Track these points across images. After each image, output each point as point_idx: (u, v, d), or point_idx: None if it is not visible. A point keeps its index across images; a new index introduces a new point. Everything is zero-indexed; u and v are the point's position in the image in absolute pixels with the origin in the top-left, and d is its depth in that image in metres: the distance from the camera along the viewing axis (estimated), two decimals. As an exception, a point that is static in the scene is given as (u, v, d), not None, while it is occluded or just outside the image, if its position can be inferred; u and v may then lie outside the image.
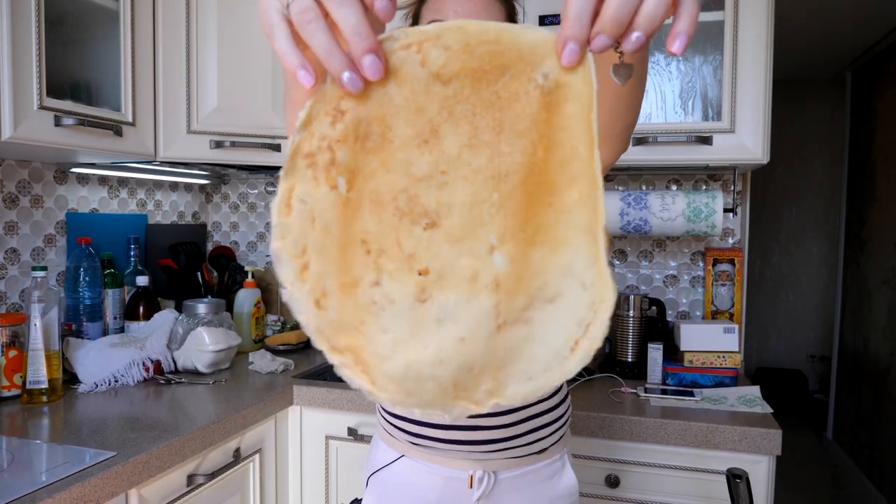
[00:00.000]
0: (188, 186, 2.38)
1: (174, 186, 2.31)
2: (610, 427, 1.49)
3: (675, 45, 0.42)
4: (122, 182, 2.08)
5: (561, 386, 1.11)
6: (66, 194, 1.87)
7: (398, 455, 1.09)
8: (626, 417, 1.47)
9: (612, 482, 1.51)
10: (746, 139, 1.64)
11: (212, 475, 1.38)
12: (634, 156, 1.70)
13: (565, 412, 1.11)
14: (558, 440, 1.10)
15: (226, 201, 2.49)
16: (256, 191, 2.47)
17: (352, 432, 1.61)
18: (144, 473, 1.20)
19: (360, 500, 1.16)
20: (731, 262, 1.99)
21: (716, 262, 2.01)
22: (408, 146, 0.34)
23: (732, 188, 1.97)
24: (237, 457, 1.48)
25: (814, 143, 4.89)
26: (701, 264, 2.07)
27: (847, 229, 4.01)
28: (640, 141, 1.67)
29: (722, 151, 1.66)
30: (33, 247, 1.78)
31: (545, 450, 1.08)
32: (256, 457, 1.57)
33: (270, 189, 2.45)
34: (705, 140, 1.65)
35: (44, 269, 1.51)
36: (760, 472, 1.41)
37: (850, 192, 4.00)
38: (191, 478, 1.34)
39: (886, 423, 3.17)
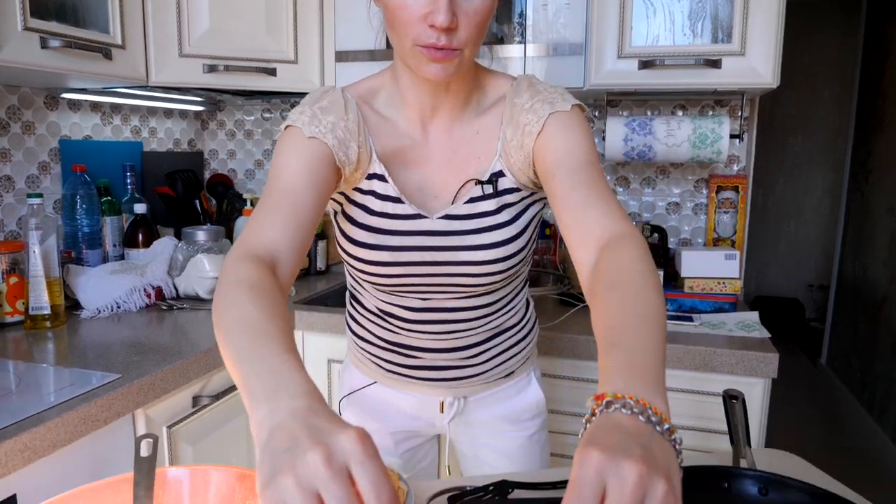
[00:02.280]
0: (183, 113, 2.33)
1: (169, 113, 2.26)
2: (596, 350, 1.50)
3: None
4: (115, 108, 2.03)
5: (528, 312, 1.12)
6: (58, 121, 1.83)
7: (371, 381, 1.11)
8: (625, 341, 1.49)
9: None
10: (757, 62, 1.59)
11: (216, 396, 1.40)
12: (640, 79, 1.65)
13: (531, 336, 1.13)
14: (524, 362, 1.12)
15: (222, 128, 2.45)
16: (252, 117, 2.42)
17: (338, 363, 1.63)
18: (150, 395, 1.22)
19: None
20: (735, 189, 1.97)
21: (719, 189, 1.98)
22: None
23: (740, 114, 1.92)
24: (241, 380, 1.50)
25: (823, 71, 4.76)
26: (704, 191, 2.05)
27: (853, 158, 3.95)
28: (647, 64, 1.62)
29: (731, 75, 1.61)
30: (27, 174, 1.75)
31: (513, 373, 1.10)
32: (260, 380, 1.59)
33: (267, 115, 2.40)
34: (714, 63, 1.59)
35: (39, 196, 1.50)
36: (756, 394, 1.44)
37: (858, 121, 3.93)
38: (196, 399, 1.37)
39: (880, 349, 3.22)
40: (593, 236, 0.77)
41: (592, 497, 0.44)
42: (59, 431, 1.03)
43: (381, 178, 0.93)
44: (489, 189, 0.93)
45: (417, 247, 0.93)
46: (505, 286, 1.02)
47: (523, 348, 1.10)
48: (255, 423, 0.53)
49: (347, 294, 1.13)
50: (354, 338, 1.11)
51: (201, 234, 1.84)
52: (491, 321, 1.03)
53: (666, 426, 0.51)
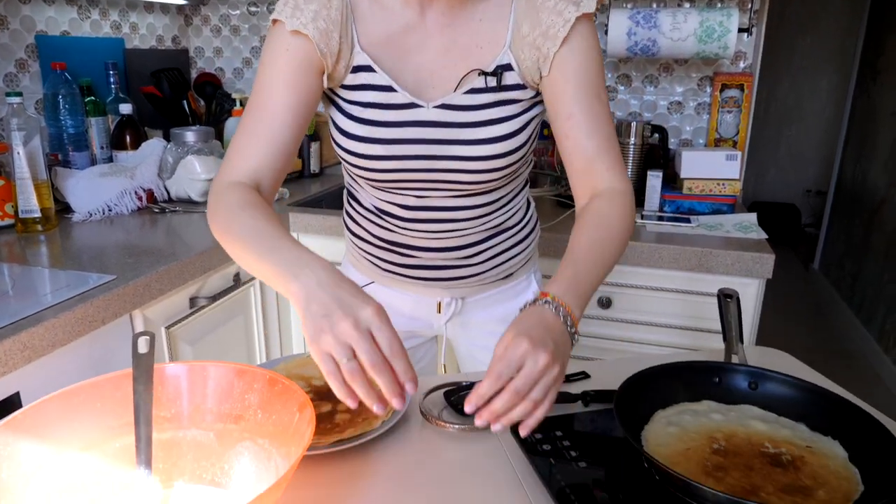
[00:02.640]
0: (164, 7, 2.21)
1: (150, 7, 2.14)
2: (605, 252, 1.50)
3: (522, 432, 0.66)
4: (93, 1, 1.92)
5: (528, 213, 1.10)
6: (32, 14, 1.74)
7: (369, 281, 1.10)
8: (622, 242, 1.48)
9: (605, 303, 1.55)
10: (771, -55, 1.49)
11: (213, 298, 1.41)
12: (647, -34, 1.55)
13: (532, 238, 1.11)
14: (524, 264, 1.11)
15: (206, 24, 2.33)
16: (238, 12, 2.30)
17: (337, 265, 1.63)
18: (146, 296, 1.22)
19: None
20: (741, 87, 1.91)
21: (724, 87, 1.92)
22: None
23: (750, 6, 1.83)
24: (237, 281, 1.50)
25: (839, -37, 4.53)
26: (708, 90, 1.98)
27: (862, 58, 3.82)
28: (655, -52, 1.52)
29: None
30: (5, 72, 1.68)
31: (512, 274, 1.10)
32: (256, 282, 1.60)
33: (253, 10, 2.28)
34: (726, -53, 1.50)
35: (19, 94, 1.43)
36: (750, 294, 1.45)
37: (870, 20, 3.77)
38: (193, 300, 1.37)
39: (873, 253, 3.25)
40: (594, 187, 0.89)
41: (513, 369, 0.65)
42: (58, 331, 1.04)
43: (368, 68, 0.88)
44: (492, 82, 0.89)
45: (412, 139, 0.90)
46: (503, 185, 1.00)
47: (523, 250, 1.09)
48: (293, 299, 0.69)
49: (345, 192, 1.11)
50: (352, 237, 1.09)
51: (191, 136, 1.79)
52: (489, 220, 1.01)
53: (574, 329, 0.73)
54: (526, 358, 0.65)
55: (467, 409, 0.65)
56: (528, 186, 1.09)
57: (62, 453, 0.64)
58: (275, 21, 0.87)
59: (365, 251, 1.08)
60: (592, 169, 0.89)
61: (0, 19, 1.65)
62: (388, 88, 0.89)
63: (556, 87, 0.88)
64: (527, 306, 0.74)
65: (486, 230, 1.02)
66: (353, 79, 0.89)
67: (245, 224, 0.78)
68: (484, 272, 1.05)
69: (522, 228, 1.08)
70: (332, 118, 0.95)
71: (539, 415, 0.66)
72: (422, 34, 0.90)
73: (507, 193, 1.02)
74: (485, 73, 0.89)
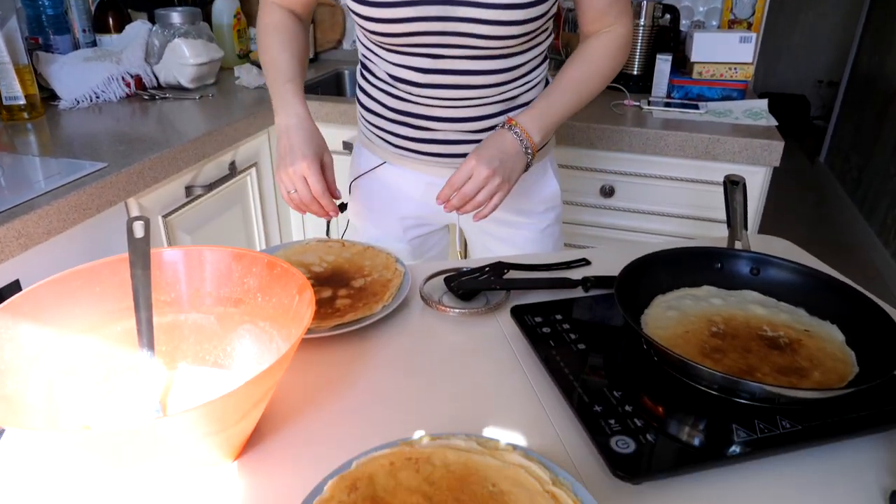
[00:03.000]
0: None
1: None
2: (609, 138, 1.46)
3: (474, 220, 0.91)
4: None
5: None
6: None
7: (381, 161, 1.08)
8: (627, 129, 1.44)
9: (607, 192, 1.53)
10: None
11: (209, 187, 1.39)
12: None
13: None
14: (540, 149, 1.07)
15: None
16: None
17: (347, 146, 1.59)
18: (140, 184, 1.20)
19: (346, 204, 1.20)
20: (760, -37, 1.78)
21: (742, -37, 1.80)
22: None
23: None
24: (233, 170, 1.48)
25: None
26: (725, -34, 1.86)
27: (891, -66, 3.58)
28: None
29: None
30: (-27, -55, 1.56)
31: None
32: (253, 171, 1.57)
33: None
34: None
35: (-11, -31, 1.34)
36: (756, 182, 1.43)
37: None
38: (189, 189, 1.35)
39: (881, 145, 3.18)
40: (601, 28, 0.98)
41: (462, 180, 0.88)
42: (52, 219, 1.02)
43: None
44: None
45: None
46: (520, 52, 0.95)
47: None
48: (276, 128, 0.94)
49: (358, 66, 1.08)
50: (364, 112, 1.07)
51: (176, 17, 1.70)
52: (505, 91, 0.97)
53: (530, 152, 0.91)
54: (473, 171, 0.87)
55: (438, 201, 0.89)
56: (546, 64, 1.04)
57: (64, 337, 0.64)
58: None
59: (378, 127, 1.05)
60: (602, 19, 0.97)
61: None
62: None
63: None
64: (497, 128, 0.92)
65: (501, 101, 0.98)
66: None
67: (268, 54, 0.98)
68: None
69: None
70: None
71: (486, 211, 0.90)
72: None
73: (524, 63, 0.97)
74: None
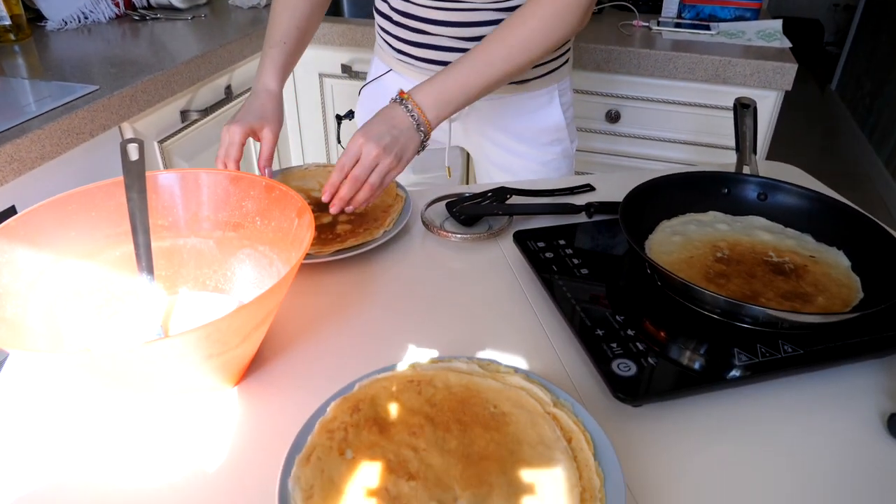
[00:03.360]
0: None
1: None
2: (616, 60, 1.41)
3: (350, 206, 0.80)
4: None
5: None
6: None
7: (387, 69, 1.06)
8: (635, 50, 1.39)
9: (613, 117, 1.49)
10: None
11: (205, 111, 1.35)
12: None
13: (557, 50, 1.01)
14: (543, 75, 1.03)
15: None
16: None
17: (346, 69, 1.55)
18: (133, 107, 1.16)
19: (353, 111, 1.18)
20: None
21: None
22: (402, 433, 0.51)
23: None
24: (229, 94, 1.44)
25: None
26: None
27: None
28: None
29: None
30: None
31: (526, 82, 1.02)
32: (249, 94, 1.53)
33: None
34: None
35: None
36: (766, 107, 1.39)
37: None
38: (184, 114, 1.32)
39: (896, 70, 3.10)
40: None
41: (350, 162, 0.78)
42: (45, 143, 1.00)
43: None
44: None
45: None
46: None
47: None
48: None
49: None
50: (378, 16, 1.05)
51: (164, -69, 1.61)
52: None
53: (423, 130, 0.81)
54: (361, 151, 0.78)
55: (324, 198, 0.79)
56: None
57: (62, 261, 0.63)
58: None
59: (384, 30, 1.04)
60: None
61: None
62: None
63: None
64: (389, 101, 0.82)
65: (494, 9, 0.93)
66: None
67: (276, 5, 0.95)
68: None
69: None
70: None
71: (377, 193, 0.80)
72: None
73: None
74: None
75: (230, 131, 0.84)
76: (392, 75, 1.06)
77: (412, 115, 0.80)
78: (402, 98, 0.81)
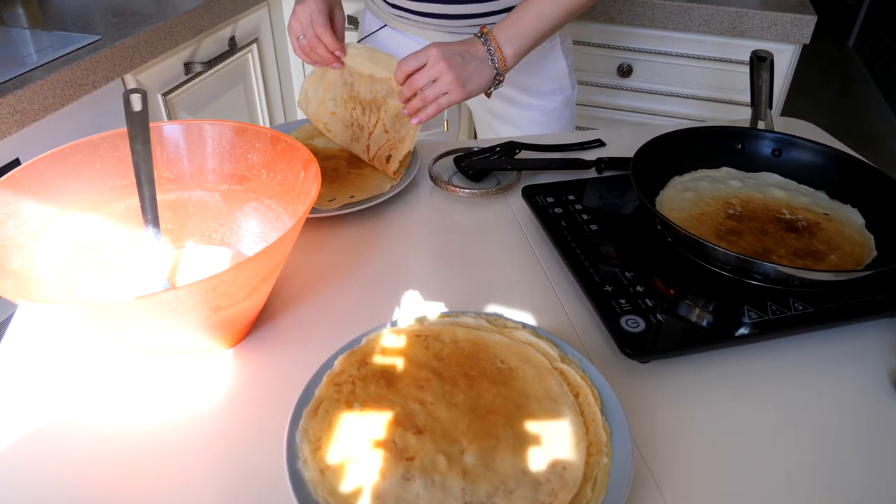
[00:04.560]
0: None
1: None
2: (629, 12, 1.37)
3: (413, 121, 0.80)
4: None
5: None
6: None
7: (382, 24, 1.04)
8: (649, 0, 1.35)
9: (625, 71, 1.46)
10: None
11: (209, 63, 1.33)
12: None
13: None
14: None
15: None
16: None
17: (351, 20, 1.51)
18: (136, 58, 1.14)
19: None
20: None
21: None
22: (409, 386, 0.51)
23: None
24: (233, 46, 1.41)
25: None
26: None
27: None
28: None
29: None
30: None
31: None
32: (254, 47, 1.50)
33: None
34: None
35: None
36: (783, 61, 1.35)
37: None
38: (188, 66, 1.29)
39: (917, 25, 3.00)
40: None
41: (415, 65, 0.77)
42: (47, 95, 0.99)
43: None
44: None
45: None
46: None
47: None
48: None
49: None
50: None
51: None
52: None
53: (497, 65, 0.81)
54: (428, 58, 0.77)
55: (396, 77, 0.79)
56: None
57: (67, 213, 0.63)
58: None
59: None
60: None
61: None
62: None
63: None
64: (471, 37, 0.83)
65: None
66: None
67: None
68: (490, 13, 0.96)
69: None
70: None
71: (424, 114, 0.79)
72: None
73: None
74: None
75: (314, 6, 0.82)
76: (388, 31, 1.03)
77: (489, 49, 0.80)
78: (482, 32, 0.81)
